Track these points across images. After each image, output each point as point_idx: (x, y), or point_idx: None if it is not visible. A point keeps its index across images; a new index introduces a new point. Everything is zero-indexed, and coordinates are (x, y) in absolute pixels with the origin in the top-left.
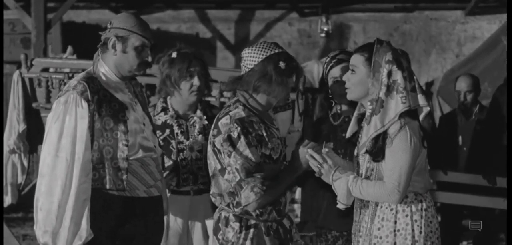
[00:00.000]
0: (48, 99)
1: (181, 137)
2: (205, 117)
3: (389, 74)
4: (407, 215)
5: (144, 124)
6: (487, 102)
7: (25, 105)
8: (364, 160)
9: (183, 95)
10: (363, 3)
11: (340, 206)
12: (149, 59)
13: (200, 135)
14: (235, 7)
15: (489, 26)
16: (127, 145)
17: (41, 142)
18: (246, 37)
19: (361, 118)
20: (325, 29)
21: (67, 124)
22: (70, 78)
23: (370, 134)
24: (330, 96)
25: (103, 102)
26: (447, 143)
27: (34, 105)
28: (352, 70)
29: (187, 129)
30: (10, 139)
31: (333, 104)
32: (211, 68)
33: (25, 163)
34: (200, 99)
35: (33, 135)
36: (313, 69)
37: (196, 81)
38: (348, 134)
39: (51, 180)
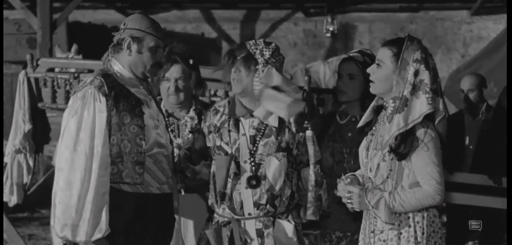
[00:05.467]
0: (54, 99)
1: (171, 136)
2: (197, 117)
3: (416, 73)
4: (409, 217)
5: (158, 120)
6: (493, 102)
7: (31, 105)
8: (375, 155)
9: (163, 96)
10: (368, 3)
11: (388, 227)
12: (163, 60)
13: (190, 135)
14: (241, 7)
15: (495, 26)
16: (144, 140)
17: (46, 142)
18: (252, 37)
19: (377, 109)
20: (331, 29)
21: (86, 118)
22: (75, 78)
23: (393, 132)
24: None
25: (120, 97)
26: (453, 143)
27: (39, 105)
28: (378, 64)
29: (178, 128)
30: (16, 139)
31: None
32: (215, 68)
33: (31, 163)
34: (189, 99)
35: (39, 135)
36: (319, 69)
37: (171, 86)
38: (361, 123)
39: (69, 174)
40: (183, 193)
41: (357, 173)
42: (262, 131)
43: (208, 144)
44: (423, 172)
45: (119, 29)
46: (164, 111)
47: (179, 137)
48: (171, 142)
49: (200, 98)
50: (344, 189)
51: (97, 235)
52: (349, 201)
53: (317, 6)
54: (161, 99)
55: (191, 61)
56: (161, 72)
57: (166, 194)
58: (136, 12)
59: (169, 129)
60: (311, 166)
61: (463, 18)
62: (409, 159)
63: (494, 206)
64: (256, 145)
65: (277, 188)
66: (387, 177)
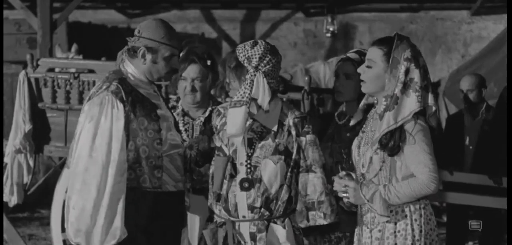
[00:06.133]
0: (54, 99)
1: (184, 135)
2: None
3: (407, 72)
4: (406, 216)
5: (170, 120)
6: (493, 102)
7: (31, 105)
8: (367, 150)
9: (180, 95)
10: (368, 3)
11: (383, 219)
12: (178, 66)
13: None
14: (241, 7)
15: (495, 26)
16: (160, 144)
17: (47, 142)
18: (252, 37)
19: (367, 108)
20: (331, 29)
21: (102, 124)
22: (75, 78)
23: (383, 129)
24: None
25: (136, 102)
26: (453, 143)
27: (40, 105)
28: (369, 65)
29: (192, 127)
30: (16, 139)
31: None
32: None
33: (31, 163)
34: (206, 100)
35: (39, 135)
36: (319, 70)
37: (188, 85)
38: (353, 122)
39: (85, 180)
40: (191, 192)
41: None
42: (260, 133)
43: (213, 145)
44: (415, 161)
45: (127, 32)
46: (180, 110)
47: (193, 137)
48: (183, 141)
49: (218, 98)
50: (340, 183)
51: (111, 241)
52: (345, 195)
53: (317, 6)
54: (179, 98)
55: (209, 62)
56: (179, 70)
57: (181, 191)
58: (136, 11)
59: (184, 128)
60: (319, 171)
61: (463, 18)
62: (402, 151)
63: (494, 206)
64: (253, 147)
65: (273, 191)
66: (380, 170)
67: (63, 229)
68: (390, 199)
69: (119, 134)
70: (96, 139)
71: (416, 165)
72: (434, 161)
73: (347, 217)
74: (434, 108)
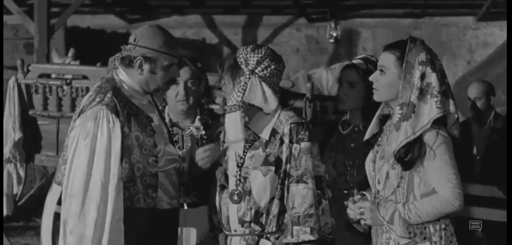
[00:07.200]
0: (45, 106)
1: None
2: (202, 127)
3: (423, 76)
4: (425, 238)
5: (165, 133)
6: (501, 109)
7: (21, 113)
8: (383, 165)
9: (170, 103)
10: (372, 9)
11: (403, 241)
12: (178, 75)
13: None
14: (242, 13)
15: (501, 32)
16: (156, 161)
17: (38, 151)
18: (253, 42)
19: (383, 118)
20: (334, 35)
21: (99, 141)
22: (67, 84)
23: (400, 141)
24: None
25: (131, 116)
26: (460, 153)
27: (30, 112)
28: (381, 71)
29: (182, 138)
30: (5, 148)
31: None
32: (216, 74)
33: (22, 173)
34: (195, 107)
35: (30, 144)
36: (322, 76)
37: (181, 90)
38: (367, 135)
39: (84, 202)
40: (185, 207)
41: (366, 191)
42: (251, 142)
43: None
44: (437, 176)
45: (126, 37)
46: (167, 121)
47: (183, 148)
48: (179, 155)
49: (207, 106)
50: (354, 208)
51: None
52: (362, 216)
53: (319, 11)
54: (164, 107)
55: (199, 65)
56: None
57: (175, 208)
58: (136, 16)
59: (174, 140)
60: (310, 181)
61: (469, 24)
62: (421, 165)
63: (503, 219)
64: (243, 157)
65: (262, 204)
66: (398, 186)
67: (53, 242)
68: (410, 219)
69: (117, 152)
70: (94, 158)
71: (438, 180)
72: (458, 176)
73: (351, 234)
74: (456, 116)
